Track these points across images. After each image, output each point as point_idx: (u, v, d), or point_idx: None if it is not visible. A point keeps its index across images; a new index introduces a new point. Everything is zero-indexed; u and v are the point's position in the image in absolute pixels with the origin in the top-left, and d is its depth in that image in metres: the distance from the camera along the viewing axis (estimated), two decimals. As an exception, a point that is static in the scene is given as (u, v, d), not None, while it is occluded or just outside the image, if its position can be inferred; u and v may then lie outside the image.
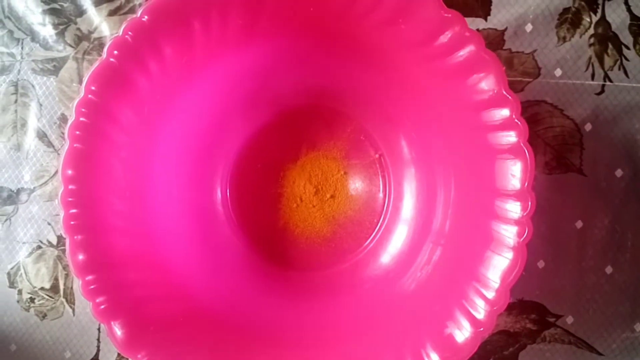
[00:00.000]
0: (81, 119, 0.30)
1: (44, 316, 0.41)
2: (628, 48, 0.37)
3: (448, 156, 0.34)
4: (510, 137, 0.28)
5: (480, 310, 0.28)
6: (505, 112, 0.28)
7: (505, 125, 0.28)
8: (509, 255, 0.28)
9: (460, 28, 0.28)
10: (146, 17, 0.29)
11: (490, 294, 0.28)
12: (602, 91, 0.38)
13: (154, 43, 0.30)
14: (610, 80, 0.37)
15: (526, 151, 0.28)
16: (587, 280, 0.38)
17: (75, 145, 0.30)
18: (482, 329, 0.28)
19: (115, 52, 0.29)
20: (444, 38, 0.29)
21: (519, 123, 0.28)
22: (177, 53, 0.31)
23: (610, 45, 0.38)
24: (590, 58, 0.38)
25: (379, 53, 0.33)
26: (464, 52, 0.29)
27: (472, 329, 0.28)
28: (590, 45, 0.38)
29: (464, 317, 0.29)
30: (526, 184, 0.28)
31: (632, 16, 0.37)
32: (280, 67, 0.36)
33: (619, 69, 0.37)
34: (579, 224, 0.38)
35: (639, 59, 0.37)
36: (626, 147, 0.37)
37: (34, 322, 0.41)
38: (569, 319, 0.38)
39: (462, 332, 0.28)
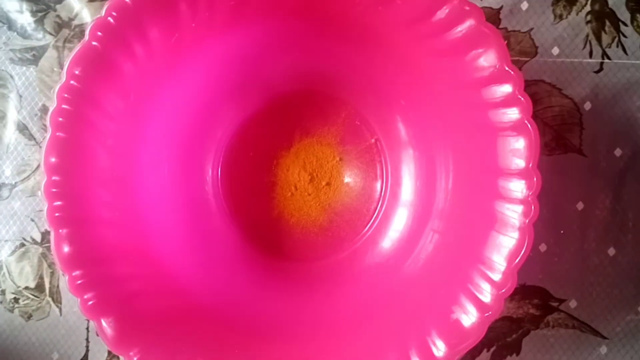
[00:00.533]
0: (63, 105, 0.28)
1: (29, 317, 0.39)
2: (625, 25, 0.37)
3: (448, 136, 0.33)
4: (512, 114, 0.27)
5: (486, 294, 0.27)
6: (507, 88, 0.27)
7: (507, 102, 0.28)
8: (515, 235, 0.27)
9: (459, 2, 0.27)
10: (130, -4, 0.28)
11: (497, 277, 0.27)
12: (601, 69, 0.37)
13: (138, 25, 0.29)
14: (609, 58, 0.37)
15: (530, 127, 0.27)
16: (590, 263, 0.37)
17: (57, 133, 0.28)
18: (489, 312, 0.27)
19: (99, 33, 0.28)
20: (442, 13, 0.28)
21: (522, 99, 0.27)
22: (164, 35, 0.30)
23: (607, 22, 0.37)
24: (587, 36, 0.37)
25: (373, 33, 0.32)
26: (463, 27, 0.28)
27: (478, 313, 0.27)
28: (587, 22, 0.37)
29: (470, 301, 0.28)
30: (531, 163, 0.27)
31: (629, -8, 0.37)
32: (271, 50, 0.35)
33: (617, 46, 0.37)
34: (580, 206, 0.37)
35: (637, 35, 0.37)
36: (626, 125, 0.37)
37: (19, 324, 0.39)
38: (572, 303, 0.37)
39: (469, 317, 0.28)
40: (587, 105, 0.37)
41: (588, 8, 0.37)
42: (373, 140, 0.38)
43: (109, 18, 0.28)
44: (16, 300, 0.39)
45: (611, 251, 0.37)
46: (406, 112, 0.36)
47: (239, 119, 0.37)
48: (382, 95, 0.36)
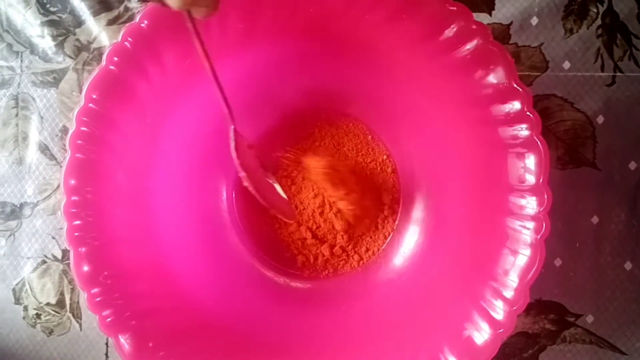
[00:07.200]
0: (82, 128, 0.29)
1: (51, 332, 0.40)
2: (637, 37, 0.37)
3: (458, 153, 0.33)
4: (522, 131, 0.27)
5: (498, 311, 0.27)
6: (516, 105, 0.27)
7: (516, 119, 0.28)
8: (527, 252, 0.27)
9: (466, 21, 0.28)
10: (145, 22, 0.29)
11: (509, 293, 0.27)
12: (613, 82, 0.37)
13: (153, 49, 0.30)
14: (621, 71, 0.37)
15: (539, 144, 0.27)
16: (606, 277, 0.37)
17: (77, 155, 0.29)
18: (501, 330, 0.27)
19: (115, 58, 0.29)
20: (450, 32, 0.28)
21: (531, 115, 0.27)
22: (178, 58, 0.31)
23: (619, 36, 0.37)
24: (599, 49, 0.37)
25: (383, 52, 0.32)
26: (471, 46, 0.28)
27: (491, 330, 0.27)
28: (598, 36, 0.37)
29: (482, 318, 0.28)
30: (541, 179, 0.27)
31: (640, 5, 0.37)
32: (283, 70, 0.35)
33: (629, 59, 0.37)
34: (595, 220, 0.37)
35: (649, 48, 0.37)
36: (640, 138, 0.37)
37: (41, 339, 0.40)
38: (589, 318, 0.37)
39: (481, 334, 0.27)
40: (600, 119, 0.37)
41: (599, 22, 0.37)
42: (385, 157, 0.38)
43: (126, 43, 0.29)
44: (38, 315, 0.40)
45: (627, 265, 0.37)
46: (416, 130, 0.36)
47: (252, 137, 0.38)
48: (392, 113, 0.36)
